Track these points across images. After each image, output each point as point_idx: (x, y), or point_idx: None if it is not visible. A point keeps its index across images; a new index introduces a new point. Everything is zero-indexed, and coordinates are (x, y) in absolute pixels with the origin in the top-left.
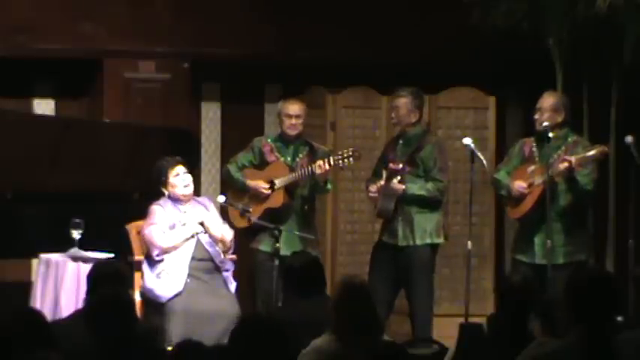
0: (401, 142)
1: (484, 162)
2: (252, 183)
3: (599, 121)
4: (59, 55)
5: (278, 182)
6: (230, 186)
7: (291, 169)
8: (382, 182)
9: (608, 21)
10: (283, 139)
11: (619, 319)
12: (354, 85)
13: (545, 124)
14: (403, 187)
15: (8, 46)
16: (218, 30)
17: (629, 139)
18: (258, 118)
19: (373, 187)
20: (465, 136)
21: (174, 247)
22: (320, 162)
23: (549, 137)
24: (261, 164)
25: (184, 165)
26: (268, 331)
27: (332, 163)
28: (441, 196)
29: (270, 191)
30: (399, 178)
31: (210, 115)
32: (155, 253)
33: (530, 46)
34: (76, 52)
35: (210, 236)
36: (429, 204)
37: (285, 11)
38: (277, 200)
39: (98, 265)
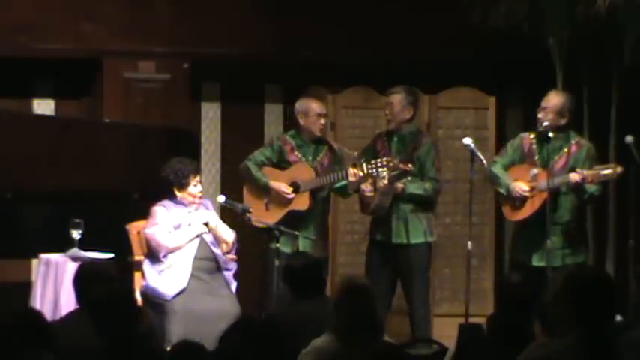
0: (396, 139)
1: (484, 162)
2: (275, 184)
3: (599, 121)
4: (59, 55)
5: (303, 185)
6: (248, 184)
7: (316, 172)
8: (383, 181)
9: (608, 21)
10: (302, 138)
11: (618, 319)
12: (354, 85)
13: (546, 124)
14: (402, 186)
15: (8, 46)
16: (218, 30)
17: (629, 139)
18: (258, 118)
19: (368, 186)
20: (465, 136)
21: (179, 247)
22: (353, 170)
23: (549, 137)
24: (279, 163)
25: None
26: (258, 333)
27: (365, 171)
28: (436, 196)
29: (292, 195)
30: (409, 178)
31: (210, 115)
32: (162, 254)
33: (530, 46)
34: (76, 52)
35: (215, 237)
36: (423, 203)
37: (285, 11)
38: (303, 203)
39: (83, 266)
